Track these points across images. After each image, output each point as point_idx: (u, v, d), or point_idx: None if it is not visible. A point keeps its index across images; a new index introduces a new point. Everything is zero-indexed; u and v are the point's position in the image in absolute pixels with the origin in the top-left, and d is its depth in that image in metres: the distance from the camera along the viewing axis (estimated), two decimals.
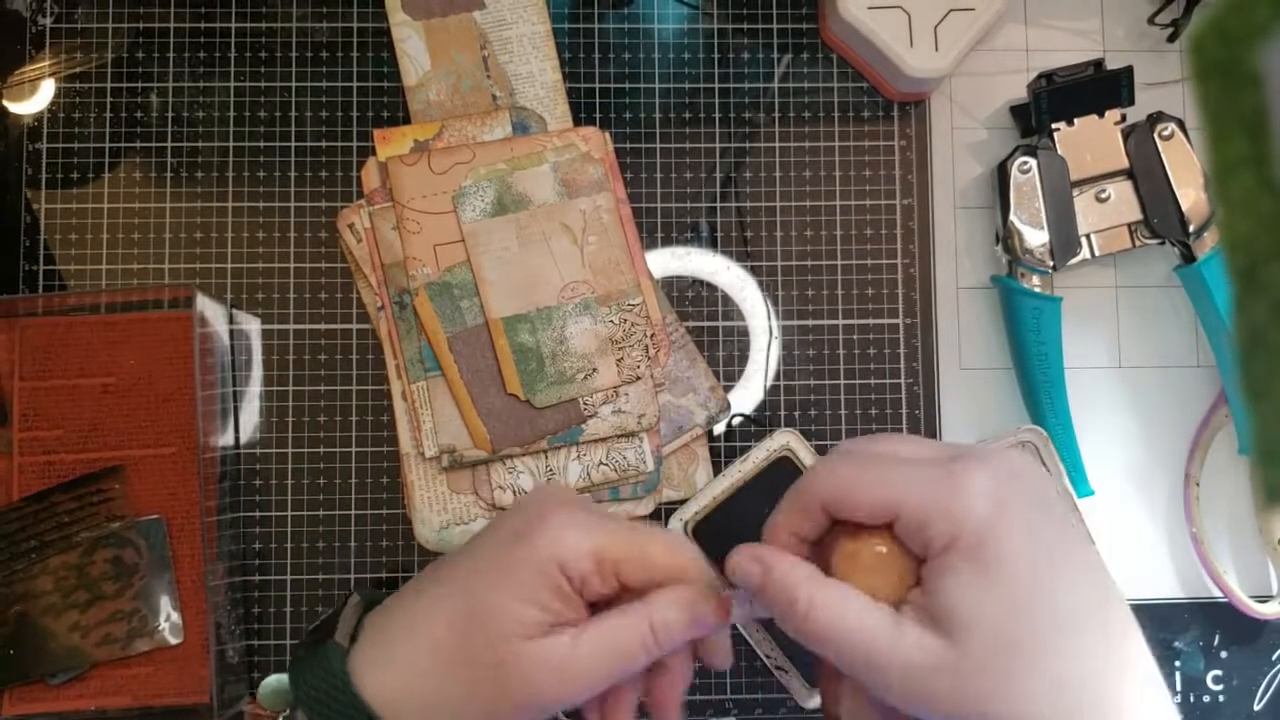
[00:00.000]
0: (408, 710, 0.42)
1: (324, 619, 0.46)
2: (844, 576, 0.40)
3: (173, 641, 0.56)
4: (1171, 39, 0.62)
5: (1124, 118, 0.58)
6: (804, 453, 0.58)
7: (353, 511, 0.58)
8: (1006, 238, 0.58)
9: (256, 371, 0.59)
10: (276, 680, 0.45)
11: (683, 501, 0.58)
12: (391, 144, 0.58)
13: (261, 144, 0.60)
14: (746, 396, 0.60)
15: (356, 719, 0.41)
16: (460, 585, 0.43)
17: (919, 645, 0.37)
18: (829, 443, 0.59)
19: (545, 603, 0.41)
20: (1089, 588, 0.38)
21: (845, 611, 0.38)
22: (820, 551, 0.42)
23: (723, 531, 0.58)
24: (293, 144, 0.60)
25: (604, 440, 0.57)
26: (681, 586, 0.43)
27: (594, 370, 0.57)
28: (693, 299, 0.60)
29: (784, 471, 0.58)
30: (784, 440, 0.58)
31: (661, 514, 0.59)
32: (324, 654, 0.43)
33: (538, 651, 0.41)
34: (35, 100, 0.60)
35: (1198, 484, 0.60)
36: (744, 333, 0.60)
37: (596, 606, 0.43)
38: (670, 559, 0.43)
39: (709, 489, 0.58)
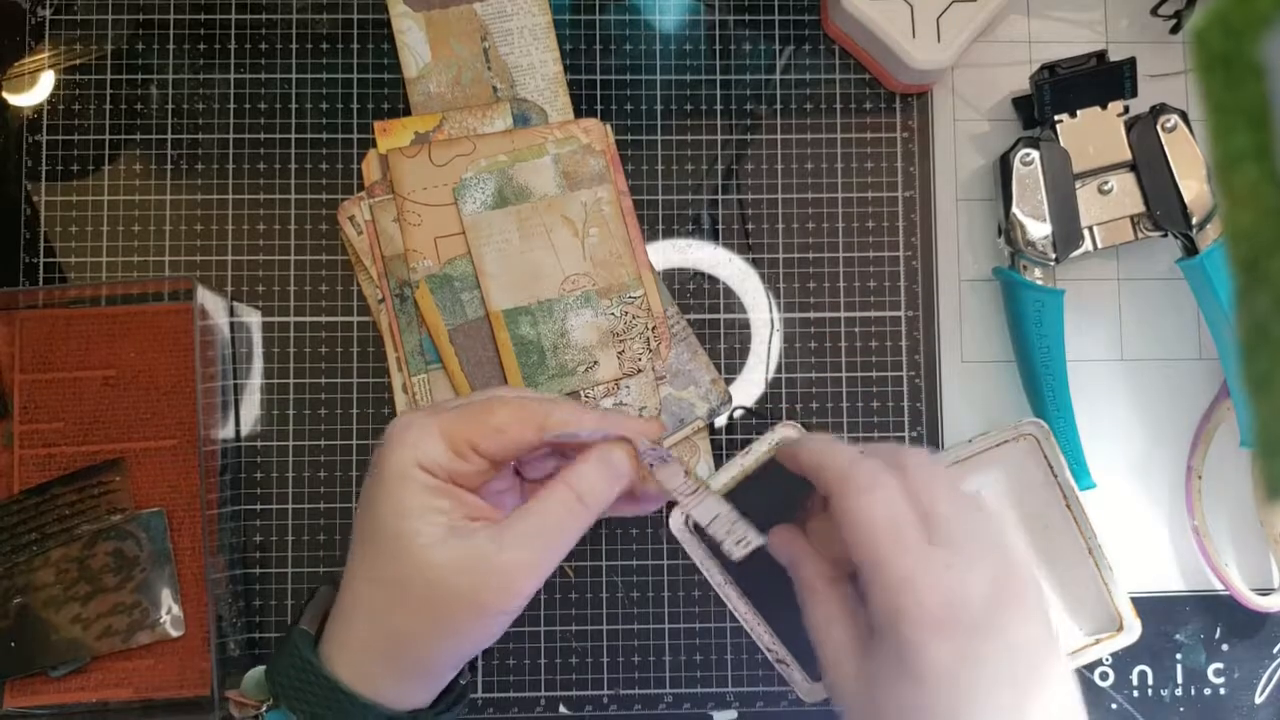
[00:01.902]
0: (376, 675, 0.42)
1: (296, 609, 0.47)
2: None
3: (174, 634, 0.56)
4: (1174, 30, 0.62)
5: (1127, 109, 0.58)
6: None
7: (353, 504, 0.58)
8: (1008, 230, 0.57)
9: (257, 364, 0.59)
10: (259, 672, 0.45)
11: None
12: (392, 136, 0.58)
13: (262, 136, 0.60)
14: (748, 389, 0.60)
15: (331, 699, 0.41)
16: (357, 536, 0.43)
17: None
18: (833, 435, 0.58)
19: (421, 504, 0.41)
20: None
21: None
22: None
23: None
24: (293, 136, 0.60)
25: None
26: (598, 448, 0.43)
27: (595, 363, 0.57)
28: (694, 291, 0.60)
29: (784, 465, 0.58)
30: (785, 433, 0.58)
31: (663, 505, 0.59)
32: (292, 642, 0.43)
33: (455, 556, 0.40)
34: (35, 92, 0.60)
35: (1199, 477, 0.60)
36: (745, 325, 0.60)
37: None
38: (518, 414, 0.42)
39: (711, 482, 0.58)
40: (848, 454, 0.44)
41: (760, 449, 0.58)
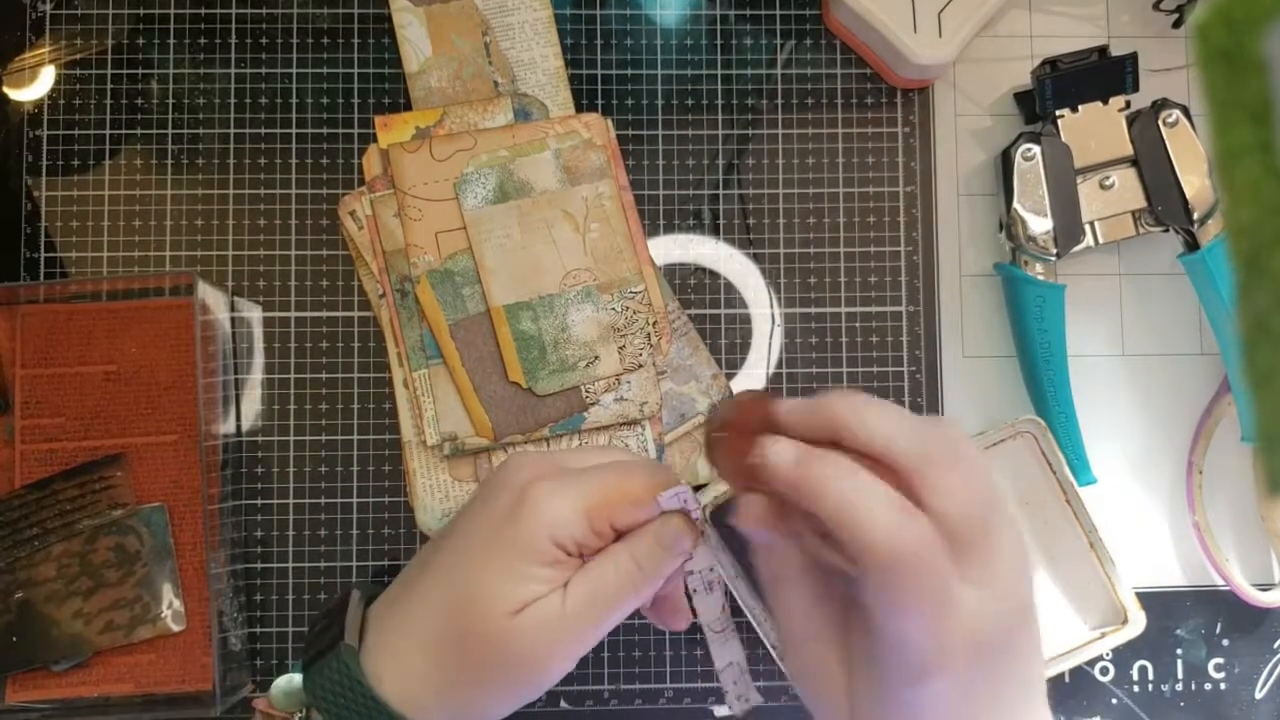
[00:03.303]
0: (426, 703, 0.42)
1: (327, 619, 0.46)
2: None
3: (175, 629, 0.56)
4: (1176, 25, 0.61)
5: (1128, 104, 0.58)
6: None
7: (354, 499, 0.58)
8: (1010, 225, 0.57)
9: (258, 359, 0.59)
10: (287, 680, 0.44)
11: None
12: (393, 131, 0.58)
13: (262, 131, 0.60)
14: (749, 384, 0.60)
15: (377, 718, 0.42)
16: (448, 573, 0.43)
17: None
18: None
19: (540, 576, 0.41)
20: None
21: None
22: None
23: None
24: (294, 131, 0.60)
25: (606, 428, 0.57)
26: (659, 521, 0.43)
27: (596, 358, 0.57)
28: (695, 286, 0.60)
29: None
30: None
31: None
32: (338, 658, 0.42)
33: (533, 623, 0.41)
34: (35, 87, 0.60)
35: (1200, 472, 0.60)
36: (746, 320, 0.60)
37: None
38: (649, 488, 0.43)
39: (718, 481, 0.58)
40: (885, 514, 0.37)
41: None
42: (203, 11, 0.60)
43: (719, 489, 0.58)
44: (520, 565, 0.41)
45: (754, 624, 0.58)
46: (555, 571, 0.42)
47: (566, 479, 0.42)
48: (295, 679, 0.44)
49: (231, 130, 0.60)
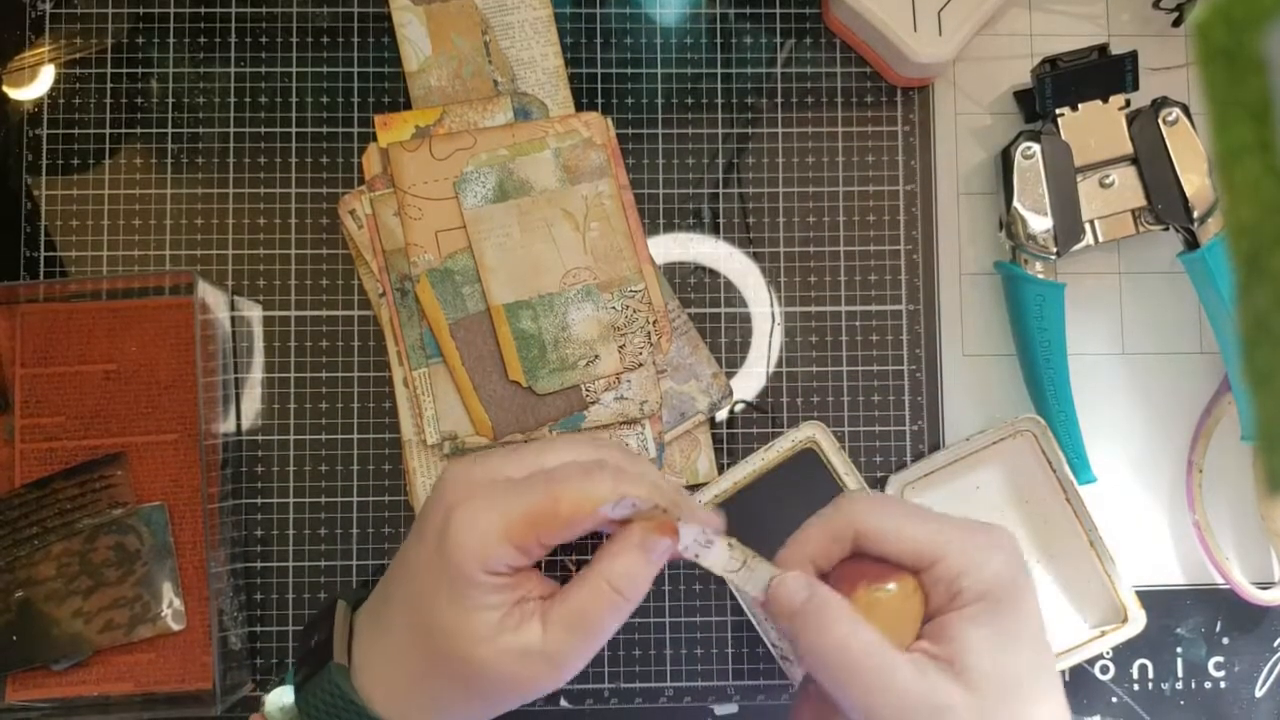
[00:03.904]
0: (416, 719, 0.43)
1: (314, 630, 0.46)
2: (865, 612, 0.41)
3: (175, 628, 0.56)
4: (1176, 24, 0.61)
5: (1128, 103, 0.58)
6: (828, 445, 0.58)
7: (354, 498, 0.58)
8: (1010, 223, 0.57)
9: (258, 358, 0.59)
10: (280, 694, 0.44)
11: (687, 488, 0.58)
12: (392, 130, 0.58)
13: (262, 130, 0.60)
14: (749, 383, 0.60)
15: (349, 717, 0.42)
16: (408, 602, 0.43)
17: (941, 690, 0.39)
18: (834, 430, 0.58)
19: (487, 603, 0.41)
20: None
21: (877, 649, 0.40)
22: (824, 579, 0.43)
23: (741, 517, 0.58)
24: (293, 130, 0.60)
25: (606, 427, 0.57)
26: (623, 539, 0.42)
27: (596, 357, 0.57)
28: (695, 285, 0.60)
29: (807, 463, 0.58)
30: (810, 432, 0.58)
31: None
32: (329, 678, 0.43)
33: (504, 647, 0.41)
34: (35, 86, 0.60)
35: (1200, 471, 0.60)
36: (746, 319, 0.60)
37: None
38: (578, 506, 0.41)
39: (729, 474, 0.58)
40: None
41: (782, 445, 0.58)
42: (202, 10, 0.60)
43: (719, 488, 0.58)
44: (463, 597, 0.41)
45: (754, 623, 0.58)
46: (502, 594, 0.41)
47: (487, 500, 0.41)
48: (288, 694, 0.44)
49: (231, 129, 0.60)
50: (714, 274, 0.60)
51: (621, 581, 0.42)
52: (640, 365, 0.57)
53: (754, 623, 0.58)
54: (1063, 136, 0.57)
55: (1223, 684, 0.60)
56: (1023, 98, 0.61)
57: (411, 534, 0.44)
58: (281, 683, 0.45)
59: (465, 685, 0.42)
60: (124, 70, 0.60)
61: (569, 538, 0.41)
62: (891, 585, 0.41)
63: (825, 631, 0.40)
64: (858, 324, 0.60)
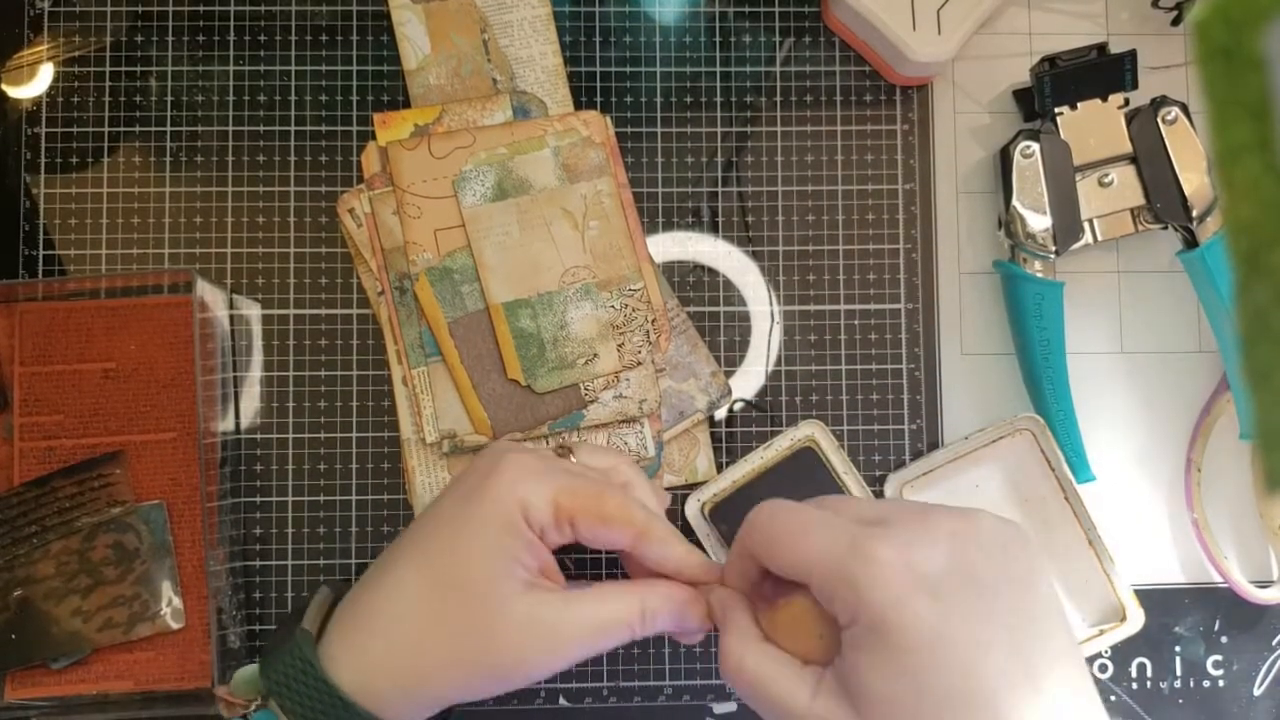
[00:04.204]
0: (383, 690, 0.42)
1: (293, 609, 0.46)
2: (769, 630, 0.42)
3: (174, 626, 0.56)
4: (1176, 22, 0.61)
5: (1127, 102, 0.58)
6: (827, 444, 0.58)
7: (353, 497, 0.58)
8: (1009, 222, 0.57)
9: (257, 357, 0.59)
10: (250, 670, 0.44)
11: (686, 486, 0.58)
12: (391, 128, 0.58)
13: (261, 128, 0.60)
14: (748, 382, 0.60)
15: (328, 704, 0.41)
16: (421, 553, 0.43)
17: (832, 713, 0.38)
18: (833, 428, 0.58)
19: (515, 554, 0.41)
20: (1024, 675, 0.36)
21: (769, 671, 0.40)
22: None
23: (739, 515, 0.58)
24: (292, 128, 0.60)
25: (605, 426, 0.57)
26: (678, 586, 0.44)
27: (595, 355, 0.57)
28: (694, 284, 0.60)
29: (806, 461, 0.58)
30: (808, 431, 0.58)
31: (675, 498, 0.59)
32: (292, 641, 0.43)
33: (526, 612, 0.41)
34: (34, 84, 0.59)
35: (1199, 469, 0.60)
36: (745, 318, 0.60)
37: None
38: (624, 513, 0.43)
39: (728, 473, 0.58)
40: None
41: (781, 444, 0.58)
42: (201, 8, 0.60)
43: (718, 486, 0.58)
44: (495, 537, 0.41)
45: None
46: (532, 556, 0.41)
47: (540, 463, 0.43)
48: (255, 668, 0.44)
49: (230, 127, 0.60)
50: (713, 273, 0.60)
51: (649, 613, 0.43)
52: (639, 364, 0.57)
53: None
54: (1062, 135, 0.57)
55: (1221, 683, 0.60)
56: (1022, 97, 0.61)
57: (448, 488, 0.45)
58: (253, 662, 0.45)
59: (464, 648, 0.41)
60: (123, 68, 0.60)
61: (597, 538, 0.42)
62: (781, 603, 0.42)
63: (726, 655, 0.41)
64: (857, 323, 0.60)
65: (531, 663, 0.41)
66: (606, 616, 0.42)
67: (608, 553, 0.59)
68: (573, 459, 0.48)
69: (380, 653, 0.42)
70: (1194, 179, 0.56)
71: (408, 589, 0.42)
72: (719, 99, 0.61)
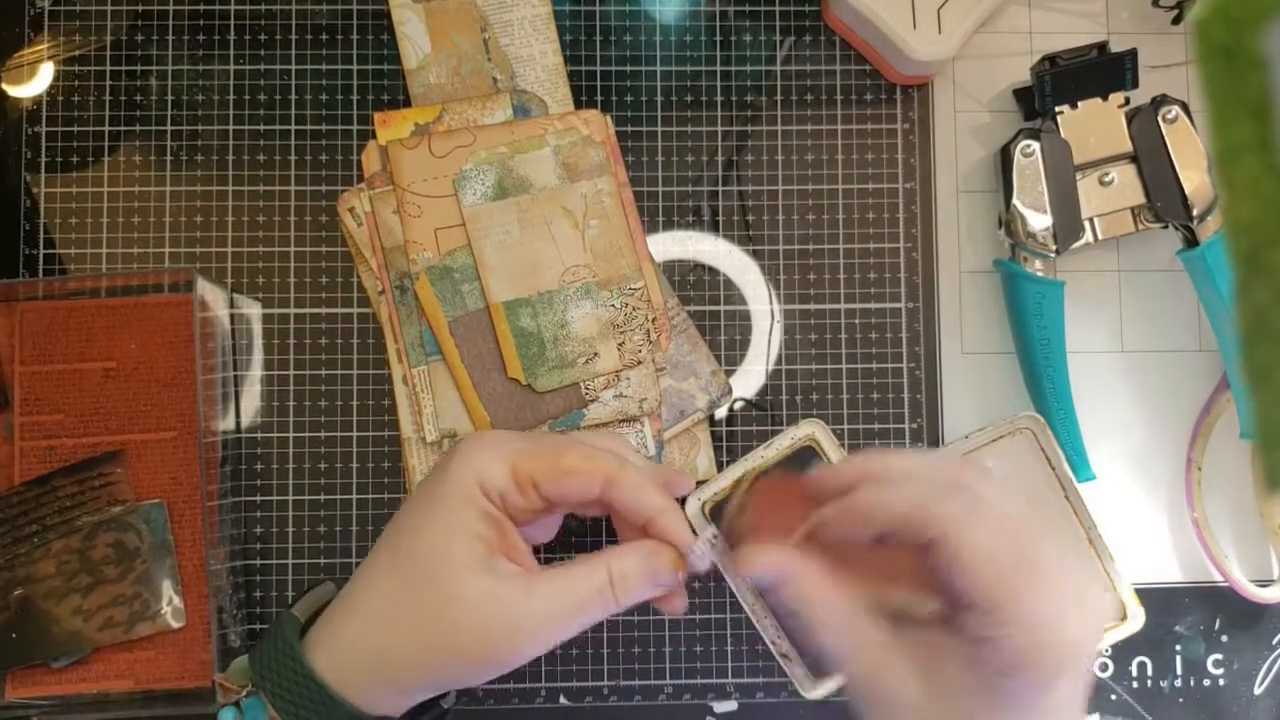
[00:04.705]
0: (357, 678, 0.42)
1: (292, 600, 0.47)
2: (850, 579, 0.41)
3: (175, 625, 0.56)
4: (1176, 21, 0.61)
5: (1128, 101, 0.58)
6: (828, 443, 0.58)
7: (354, 496, 0.58)
8: (1009, 221, 0.57)
9: (257, 356, 0.59)
10: (245, 658, 0.45)
11: None
12: (392, 127, 0.58)
13: (262, 127, 0.60)
14: (748, 381, 0.60)
15: (307, 690, 0.42)
16: (391, 536, 0.43)
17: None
18: (834, 427, 0.58)
19: (472, 527, 0.41)
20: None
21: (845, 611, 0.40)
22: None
23: None
24: (293, 127, 0.60)
25: (605, 425, 0.57)
26: (647, 540, 0.43)
27: (595, 355, 0.57)
28: (694, 283, 0.60)
29: (806, 460, 0.58)
30: (809, 430, 0.58)
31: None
32: (278, 626, 0.43)
33: (487, 590, 0.40)
34: (34, 83, 0.59)
35: (1199, 468, 0.60)
36: (745, 317, 0.60)
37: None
38: (586, 464, 0.42)
39: (729, 472, 0.58)
40: (944, 480, 0.40)
41: (782, 443, 0.58)
42: (201, 7, 0.60)
43: (719, 485, 0.58)
44: (453, 514, 0.41)
45: (753, 620, 0.58)
46: (491, 527, 0.42)
47: (499, 434, 0.43)
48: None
49: (230, 127, 0.60)
50: (713, 272, 0.60)
51: (618, 577, 0.42)
52: (639, 363, 0.57)
53: (753, 620, 0.58)
54: (1062, 134, 0.57)
55: (1221, 681, 0.60)
56: (1022, 95, 0.61)
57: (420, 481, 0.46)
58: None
59: (424, 630, 0.41)
60: (123, 67, 0.60)
61: (562, 497, 0.42)
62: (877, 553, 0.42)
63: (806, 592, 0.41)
64: (857, 322, 0.60)
65: (497, 645, 0.41)
66: (574, 588, 0.41)
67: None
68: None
69: (352, 638, 0.42)
70: (1194, 178, 0.56)
71: (377, 574, 0.43)
72: (719, 98, 0.61)
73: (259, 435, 0.59)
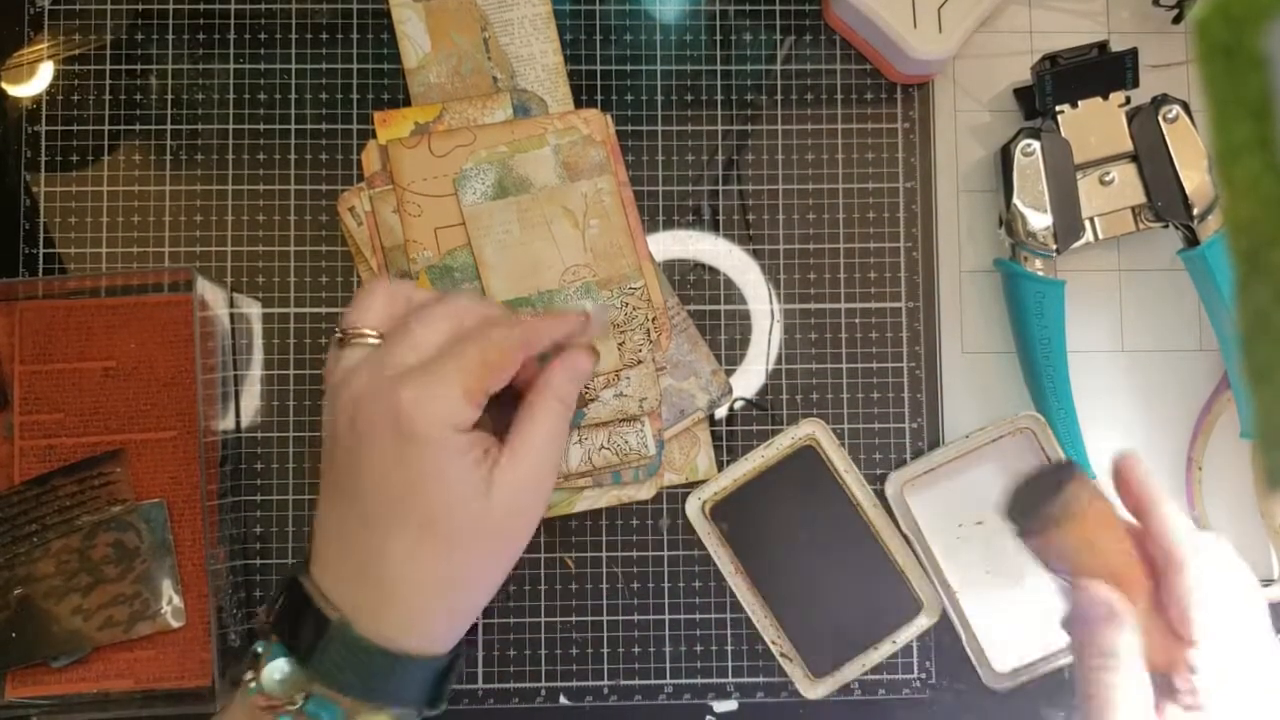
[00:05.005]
0: (438, 629, 0.44)
1: (287, 606, 0.45)
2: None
3: (174, 625, 0.56)
4: (1176, 21, 0.61)
5: (1128, 100, 0.58)
6: (828, 442, 0.58)
7: None
8: (1009, 221, 0.57)
9: (257, 355, 0.59)
10: (278, 668, 0.43)
11: (687, 485, 0.58)
12: (392, 126, 0.58)
13: (261, 126, 0.60)
14: (748, 380, 0.60)
15: (388, 667, 0.42)
16: (380, 518, 0.43)
17: None
18: (834, 427, 0.58)
19: (463, 465, 0.43)
20: None
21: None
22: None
23: (740, 513, 0.58)
24: (293, 126, 0.60)
25: (605, 424, 0.57)
26: (560, 361, 0.48)
27: (595, 354, 0.57)
28: (694, 282, 0.60)
29: (807, 460, 0.58)
30: (809, 429, 0.58)
31: (663, 496, 0.59)
32: (336, 637, 0.42)
33: (503, 502, 0.43)
34: (34, 83, 0.59)
35: (1200, 468, 0.60)
36: (746, 316, 0.60)
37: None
38: (507, 353, 0.45)
39: (729, 471, 0.58)
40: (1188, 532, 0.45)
41: (782, 443, 0.58)
42: (201, 6, 0.60)
43: (719, 485, 0.58)
44: (445, 463, 0.42)
45: (751, 618, 0.58)
46: (475, 449, 0.43)
47: (427, 375, 0.43)
48: (283, 665, 0.43)
49: (230, 126, 0.60)
50: (713, 271, 0.60)
51: (564, 393, 0.47)
52: (640, 362, 0.57)
53: (753, 620, 0.58)
54: (1062, 133, 0.57)
55: None
56: (1022, 95, 0.61)
57: (339, 456, 0.44)
58: (255, 662, 0.44)
59: (475, 558, 0.43)
60: (123, 67, 0.60)
61: (507, 380, 0.45)
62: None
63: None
64: (857, 321, 0.60)
65: (529, 524, 0.45)
66: (545, 432, 0.45)
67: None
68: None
69: (408, 600, 0.43)
70: (1195, 177, 0.56)
71: (408, 541, 0.43)
72: (719, 97, 0.61)
73: (259, 435, 0.59)
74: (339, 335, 0.47)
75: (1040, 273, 0.57)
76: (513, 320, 0.46)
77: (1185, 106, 0.57)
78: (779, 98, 0.61)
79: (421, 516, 0.43)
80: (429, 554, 0.43)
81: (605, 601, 0.59)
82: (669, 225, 0.60)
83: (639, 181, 0.60)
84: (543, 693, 0.58)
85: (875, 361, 0.60)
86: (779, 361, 0.60)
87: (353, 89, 0.60)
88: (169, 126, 0.60)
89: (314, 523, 0.46)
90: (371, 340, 0.46)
